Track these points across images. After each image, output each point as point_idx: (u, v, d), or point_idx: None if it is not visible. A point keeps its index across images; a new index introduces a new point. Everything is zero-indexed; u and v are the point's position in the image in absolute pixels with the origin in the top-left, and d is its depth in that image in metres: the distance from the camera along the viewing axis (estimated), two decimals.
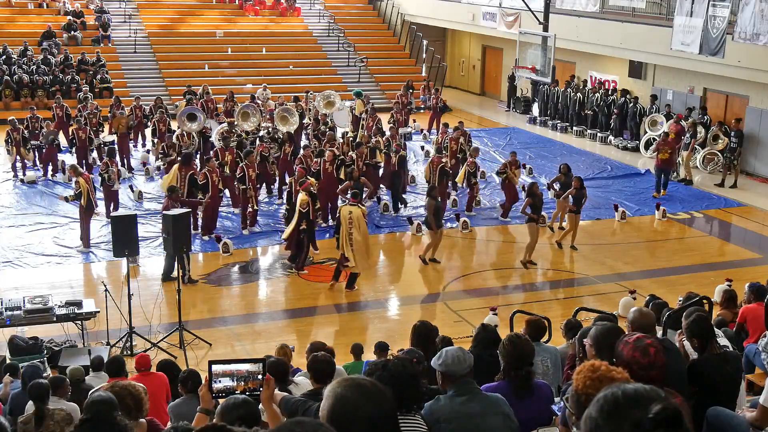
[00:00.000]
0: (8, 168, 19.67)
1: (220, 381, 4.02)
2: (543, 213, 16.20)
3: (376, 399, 2.50)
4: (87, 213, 14.82)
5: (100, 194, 16.31)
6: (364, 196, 16.09)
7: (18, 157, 19.27)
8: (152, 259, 14.56)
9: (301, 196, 13.67)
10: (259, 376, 4.03)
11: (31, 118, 20.55)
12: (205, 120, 19.79)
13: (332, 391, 2.51)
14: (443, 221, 15.06)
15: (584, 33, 24.41)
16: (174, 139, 18.68)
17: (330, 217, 16.30)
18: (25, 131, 19.54)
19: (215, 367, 4.03)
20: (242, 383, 4.03)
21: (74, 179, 15.06)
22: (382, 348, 8.67)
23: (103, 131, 20.85)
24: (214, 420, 4.13)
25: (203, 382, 4.21)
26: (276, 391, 4.29)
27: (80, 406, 7.15)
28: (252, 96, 23.55)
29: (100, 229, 15.60)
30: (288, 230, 14.00)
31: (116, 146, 18.99)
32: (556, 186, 16.33)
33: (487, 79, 33.21)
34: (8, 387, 6.81)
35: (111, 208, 15.69)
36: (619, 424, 2.09)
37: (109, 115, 21.84)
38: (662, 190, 18.82)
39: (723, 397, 4.83)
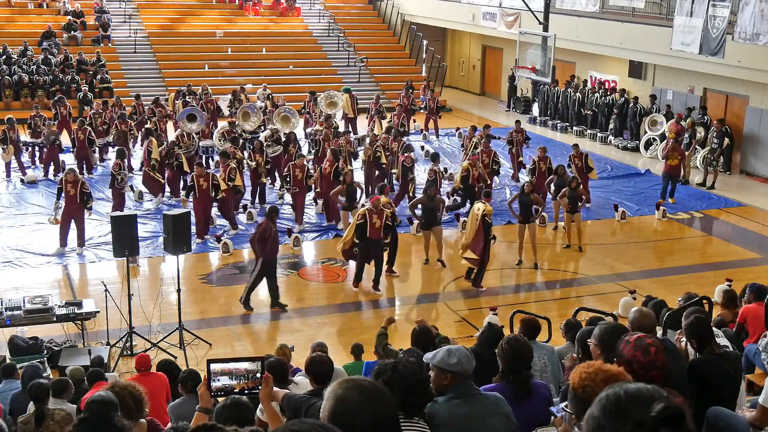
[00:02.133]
0: (5, 167, 19.65)
1: (218, 380, 4.03)
2: (544, 214, 16.27)
3: (377, 400, 2.50)
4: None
5: (97, 194, 16.32)
6: (358, 198, 16.04)
7: (13, 157, 19.29)
8: (152, 259, 14.57)
9: (486, 207, 13.06)
10: (258, 375, 4.03)
11: (34, 116, 20.55)
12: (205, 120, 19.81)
13: (333, 393, 2.51)
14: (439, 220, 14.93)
15: (584, 33, 24.40)
16: (173, 139, 18.69)
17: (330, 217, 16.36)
18: (29, 130, 19.58)
19: (214, 366, 4.04)
20: (241, 382, 4.04)
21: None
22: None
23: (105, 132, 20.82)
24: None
25: (203, 378, 4.22)
26: (277, 389, 4.27)
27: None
28: (269, 96, 23.55)
29: (100, 228, 15.62)
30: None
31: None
32: (551, 186, 16.37)
33: (487, 79, 33.20)
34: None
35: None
36: (622, 423, 2.09)
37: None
38: (671, 198, 18.28)
39: (723, 397, 4.82)
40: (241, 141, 18.14)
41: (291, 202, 17.44)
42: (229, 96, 23.69)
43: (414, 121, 25.61)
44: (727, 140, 20.39)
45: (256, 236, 12.44)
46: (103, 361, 9.71)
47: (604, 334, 4.32)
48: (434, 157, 17.22)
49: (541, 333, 7.66)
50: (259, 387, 4.05)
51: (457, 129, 24.54)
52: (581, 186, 15.81)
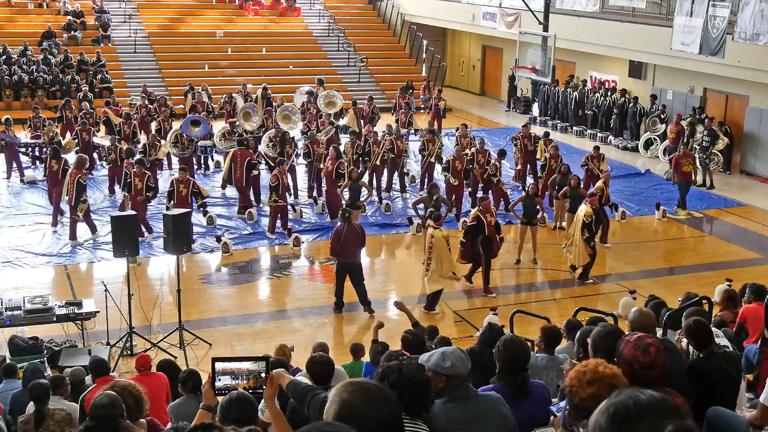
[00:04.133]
0: (6, 167, 19.66)
1: (219, 379, 4.04)
2: (545, 214, 16.26)
3: (381, 403, 2.49)
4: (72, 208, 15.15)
5: (98, 194, 16.27)
6: (363, 198, 16.06)
7: (13, 159, 19.31)
8: (152, 259, 14.57)
9: (586, 209, 13.38)
10: (262, 375, 4.03)
11: (34, 117, 20.53)
12: (210, 126, 19.77)
13: (338, 396, 2.49)
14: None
15: (584, 33, 24.40)
16: (171, 140, 18.68)
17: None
18: (28, 130, 19.59)
19: (218, 365, 4.05)
20: (242, 381, 4.04)
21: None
22: (380, 349, 8.66)
23: (98, 132, 20.79)
24: (217, 418, 4.13)
25: (203, 381, 4.22)
26: (285, 373, 4.25)
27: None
28: (265, 88, 23.49)
29: (100, 228, 15.61)
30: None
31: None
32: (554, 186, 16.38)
33: (487, 79, 33.20)
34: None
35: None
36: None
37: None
38: (684, 210, 17.73)
39: (723, 397, 4.82)
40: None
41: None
42: (223, 96, 23.62)
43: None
44: (726, 140, 20.40)
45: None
46: (103, 362, 9.69)
47: (596, 337, 4.31)
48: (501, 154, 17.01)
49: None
50: (264, 387, 4.05)
51: (457, 129, 24.53)
52: (582, 186, 15.85)
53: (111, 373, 9.48)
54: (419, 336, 7.05)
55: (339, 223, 12.59)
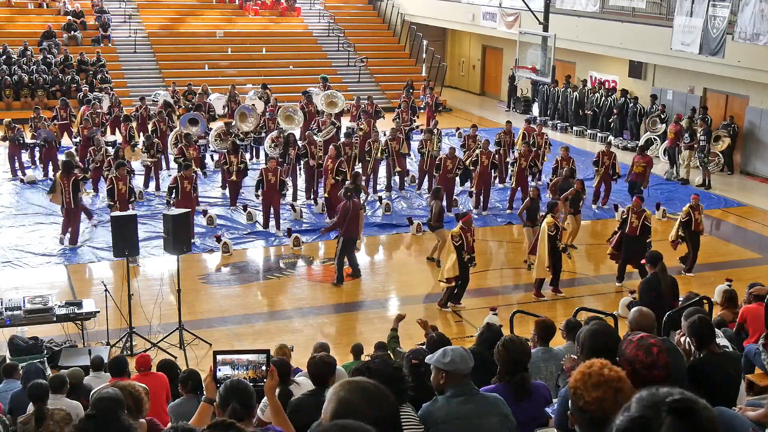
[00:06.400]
0: (8, 168, 19.67)
1: (220, 370, 4.09)
2: (541, 214, 16.23)
3: (378, 401, 2.49)
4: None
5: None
6: (362, 199, 16.05)
7: (15, 158, 19.32)
8: (152, 259, 14.56)
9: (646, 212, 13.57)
10: (263, 367, 4.06)
11: (35, 118, 20.53)
12: (207, 125, 19.78)
13: (335, 395, 2.49)
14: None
15: (584, 33, 24.40)
16: (172, 140, 18.68)
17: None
18: (28, 130, 19.59)
19: (219, 357, 4.09)
20: (242, 372, 4.08)
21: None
22: (381, 348, 8.67)
23: (105, 132, 20.80)
24: (216, 401, 4.13)
25: (203, 377, 4.24)
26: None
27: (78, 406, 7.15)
28: (265, 85, 23.53)
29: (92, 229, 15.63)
30: None
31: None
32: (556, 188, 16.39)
33: (487, 79, 33.20)
34: None
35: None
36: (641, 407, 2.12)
37: (107, 115, 21.81)
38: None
39: (723, 397, 4.82)
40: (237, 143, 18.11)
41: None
42: (225, 96, 23.60)
43: (416, 118, 25.59)
44: (728, 141, 20.41)
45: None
46: (103, 361, 9.70)
47: (581, 336, 4.33)
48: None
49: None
50: (264, 379, 4.08)
51: (457, 129, 24.59)
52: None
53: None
54: (444, 336, 7.05)
55: (344, 202, 13.19)
